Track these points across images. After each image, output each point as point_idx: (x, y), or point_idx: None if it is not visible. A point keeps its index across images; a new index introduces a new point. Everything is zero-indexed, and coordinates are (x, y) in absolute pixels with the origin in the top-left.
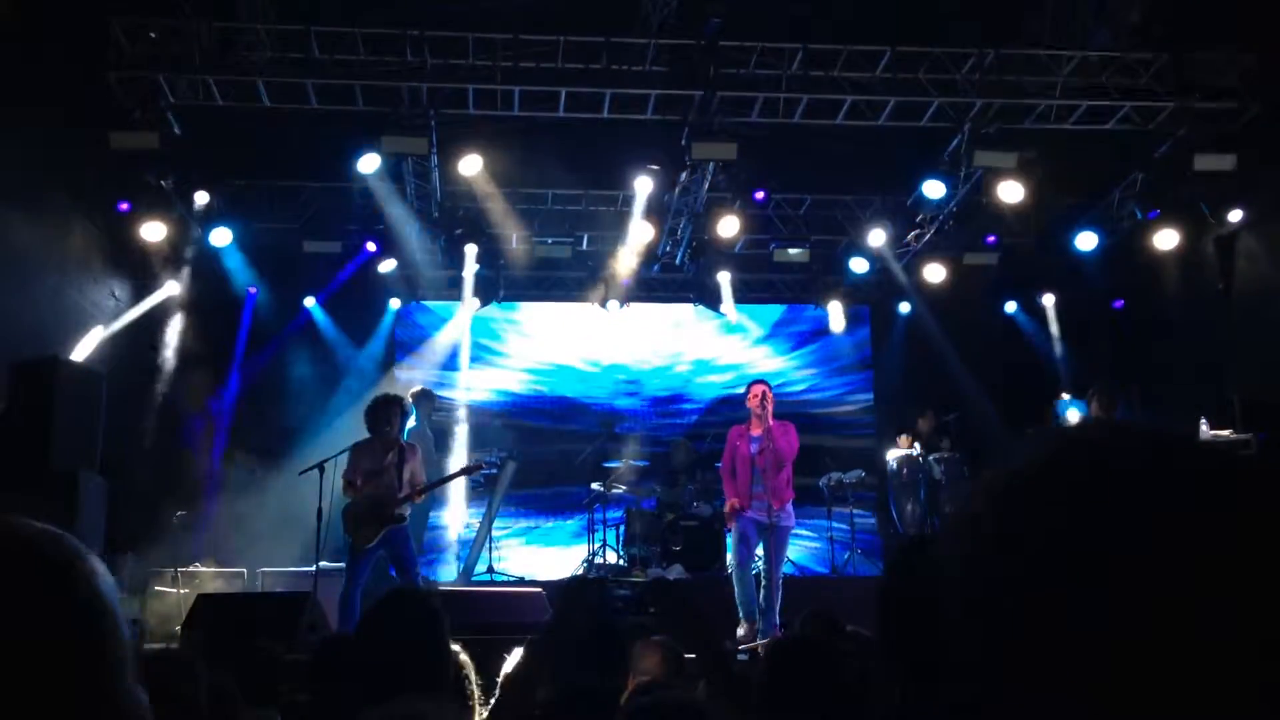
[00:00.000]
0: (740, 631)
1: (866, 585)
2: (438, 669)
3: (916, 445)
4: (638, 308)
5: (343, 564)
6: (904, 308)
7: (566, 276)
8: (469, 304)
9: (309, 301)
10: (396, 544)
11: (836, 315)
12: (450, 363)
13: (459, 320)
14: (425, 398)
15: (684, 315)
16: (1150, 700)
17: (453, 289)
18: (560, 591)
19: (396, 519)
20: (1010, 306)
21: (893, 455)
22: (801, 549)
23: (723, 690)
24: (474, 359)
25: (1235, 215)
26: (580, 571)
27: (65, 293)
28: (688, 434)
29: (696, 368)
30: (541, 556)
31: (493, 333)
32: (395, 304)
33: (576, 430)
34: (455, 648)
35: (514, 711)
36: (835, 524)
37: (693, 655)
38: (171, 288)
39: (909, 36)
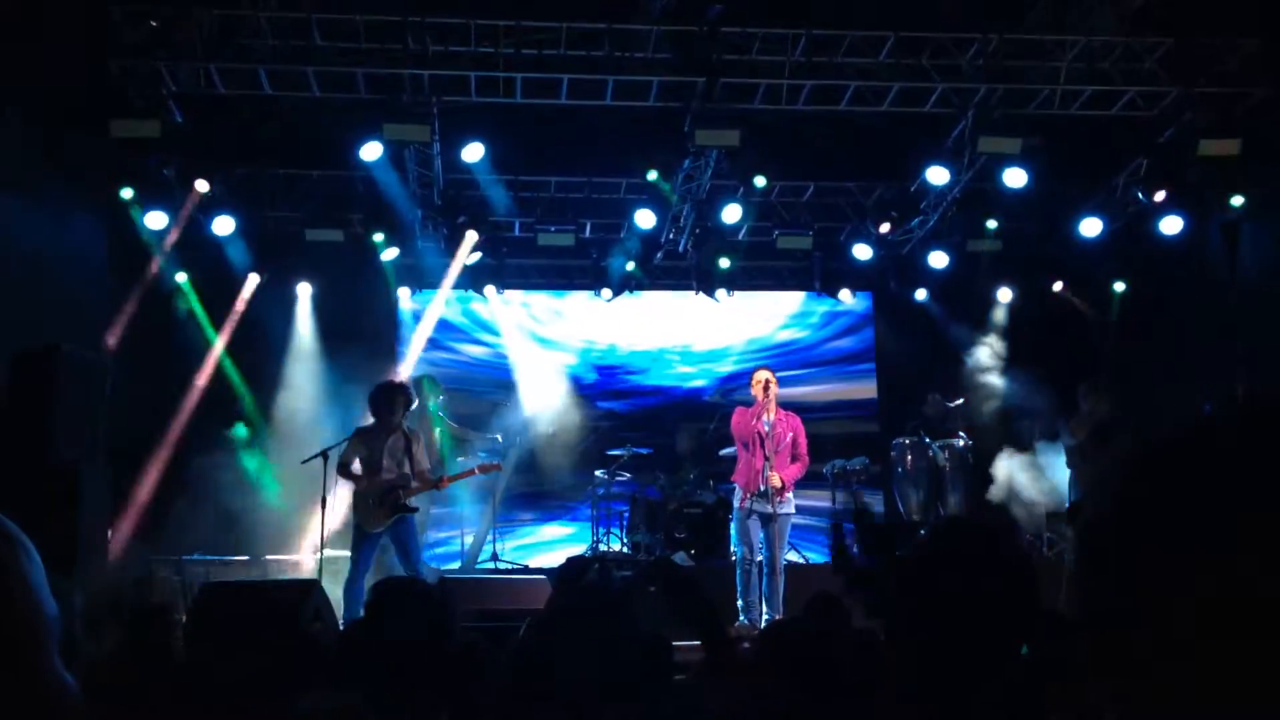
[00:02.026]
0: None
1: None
2: (439, 661)
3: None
4: (640, 295)
5: (346, 552)
6: (911, 295)
7: (569, 264)
8: (480, 293)
9: (303, 288)
10: (403, 532)
11: (839, 302)
12: (453, 350)
13: (461, 308)
14: (429, 384)
15: (686, 302)
16: None
17: (455, 277)
18: (558, 574)
19: (409, 508)
20: (1011, 294)
21: (897, 442)
22: (805, 537)
23: (722, 665)
24: (476, 347)
25: (1240, 200)
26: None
27: (65, 282)
28: (691, 421)
29: (699, 355)
30: (545, 545)
31: (494, 321)
32: (405, 293)
33: (580, 418)
34: None
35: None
36: (839, 510)
37: (696, 642)
38: (178, 277)
39: (912, 22)
